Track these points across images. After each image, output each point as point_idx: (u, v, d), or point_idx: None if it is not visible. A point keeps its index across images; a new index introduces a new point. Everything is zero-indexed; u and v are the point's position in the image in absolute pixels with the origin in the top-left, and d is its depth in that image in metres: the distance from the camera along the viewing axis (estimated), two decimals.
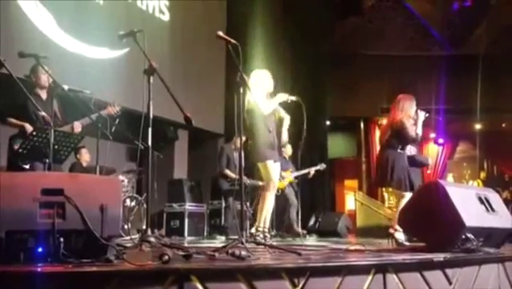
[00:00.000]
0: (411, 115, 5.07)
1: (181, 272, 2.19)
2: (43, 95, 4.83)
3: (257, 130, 4.75)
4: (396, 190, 5.09)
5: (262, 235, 4.67)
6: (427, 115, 5.08)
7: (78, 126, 4.79)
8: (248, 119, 4.71)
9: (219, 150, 7.86)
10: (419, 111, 5.09)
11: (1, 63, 3.71)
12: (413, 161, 6.17)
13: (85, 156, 6.75)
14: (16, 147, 4.33)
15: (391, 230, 4.96)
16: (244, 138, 4.15)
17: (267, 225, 4.95)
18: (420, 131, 5.04)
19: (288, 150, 8.29)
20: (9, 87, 4.08)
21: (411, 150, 5.31)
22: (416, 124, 5.03)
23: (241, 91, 3.85)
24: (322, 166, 8.59)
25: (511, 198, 13.14)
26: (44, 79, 4.75)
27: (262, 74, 4.94)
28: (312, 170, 8.45)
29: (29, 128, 4.47)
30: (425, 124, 5.14)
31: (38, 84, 4.75)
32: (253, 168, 5.02)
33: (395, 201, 5.29)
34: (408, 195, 4.94)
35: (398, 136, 5.02)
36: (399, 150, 5.03)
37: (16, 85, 3.90)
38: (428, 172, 6.89)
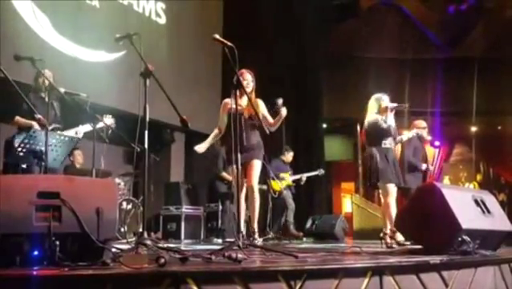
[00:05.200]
0: (380, 110, 5.18)
1: (178, 275, 2.19)
2: (46, 97, 4.87)
3: (227, 133, 4.58)
4: (382, 188, 5.09)
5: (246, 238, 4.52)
6: (395, 105, 5.15)
7: (81, 132, 4.83)
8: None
9: (215, 153, 7.86)
10: (389, 103, 5.17)
11: None
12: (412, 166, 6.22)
13: (78, 158, 6.73)
14: (16, 145, 4.32)
15: (381, 234, 4.98)
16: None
17: (255, 226, 4.78)
18: (390, 121, 5.11)
19: (289, 157, 8.28)
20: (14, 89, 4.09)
21: (391, 143, 5.32)
22: (386, 117, 5.12)
23: (238, 93, 3.86)
24: (320, 172, 8.61)
25: (507, 201, 13.20)
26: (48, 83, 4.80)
27: (241, 74, 4.72)
28: (310, 175, 8.47)
29: (37, 127, 4.51)
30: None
31: (43, 87, 4.76)
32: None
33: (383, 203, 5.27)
34: (393, 193, 4.98)
35: (372, 133, 5.15)
36: (382, 145, 5.10)
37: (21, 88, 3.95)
38: (431, 169, 6.84)
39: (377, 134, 5.13)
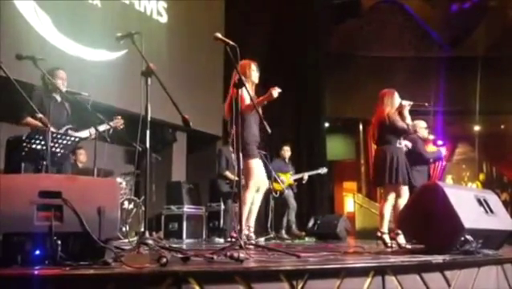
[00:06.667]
0: (396, 108, 5.05)
1: (179, 275, 2.18)
2: (58, 98, 4.88)
3: (243, 126, 4.37)
4: (393, 188, 4.97)
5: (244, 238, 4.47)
6: (411, 103, 5.05)
7: (94, 133, 4.84)
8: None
9: (217, 152, 7.85)
10: (402, 101, 5.06)
11: None
12: (426, 159, 6.15)
13: (81, 158, 6.74)
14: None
15: (378, 233, 4.95)
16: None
17: (251, 224, 4.67)
18: (409, 121, 5.03)
19: (285, 152, 8.27)
20: (24, 89, 4.09)
21: (407, 145, 5.25)
22: (402, 115, 5.01)
23: (240, 92, 3.84)
24: (323, 170, 8.58)
25: (510, 200, 13.17)
26: (63, 83, 4.84)
27: (252, 65, 4.71)
28: (313, 173, 8.45)
29: (51, 128, 4.54)
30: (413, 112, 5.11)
31: (54, 87, 4.77)
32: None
33: (383, 202, 5.12)
34: (406, 194, 4.92)
35: (389, 130, 4.97)
36: (396, 145, 4.99)
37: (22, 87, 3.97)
38: (445, 163, 6.76)
39: (396, 133, 4.97)
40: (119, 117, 5.20)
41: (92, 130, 4.84)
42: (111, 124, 4.97)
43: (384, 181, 4.94)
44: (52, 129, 4.52)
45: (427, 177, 6.25)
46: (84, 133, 4.86)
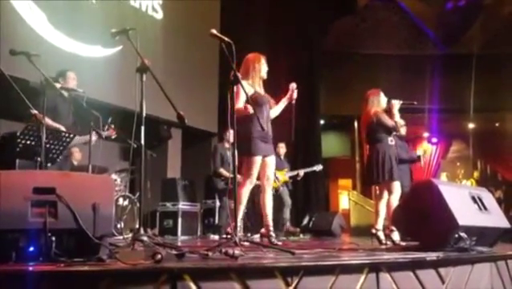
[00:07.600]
0: (383, 107, 5.17)
1: (174, 271, 2.18)
2: (65, 97, 4.88)
3: (248, 122, 4.32)
4: (386, 185, 5.02)
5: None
6: (401, 102, 5.17)
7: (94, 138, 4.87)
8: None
9: (212, 149, 7.85)
10: (392, 100, 5.17)
11: None
12: (401, 159, 6.17)
13: (76, 155, 6.71)
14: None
15: (373, 230, 4.99)
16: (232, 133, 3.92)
17: (270, 223, 4.69)
18: (398, 118, 5.13)
19: (281, 149, 8.28)
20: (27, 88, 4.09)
21: (392, 140, 5.31)
22: (391, 113, 5.12)
23: (235, 89, 3.83)
24: (318, 167, 8.58)
25: (504, 197, 13.24)
26: (73, 84, 4.84)
27: (261, 58, 4.64)
28: (308, 170, 8.45)
29: (63, 129, 4.54)
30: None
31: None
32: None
33: (378, 200, 5.17)
34: (397, 190, 4.96)
35: (379, 129, 5.07)
36: (388, 142, 5.08)
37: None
38: (422, 164, 6.86)
39: (386, 131, 5.07)
40: (112, 126, 5.21)
41: (93, 136, 4.84)
42: (104, 134, 5.01)
43: (378, 179, 5.01)
44: (63, 128, 4.55)
45: (409, 175, 6.30)
46: (84, 138, 4.88)
